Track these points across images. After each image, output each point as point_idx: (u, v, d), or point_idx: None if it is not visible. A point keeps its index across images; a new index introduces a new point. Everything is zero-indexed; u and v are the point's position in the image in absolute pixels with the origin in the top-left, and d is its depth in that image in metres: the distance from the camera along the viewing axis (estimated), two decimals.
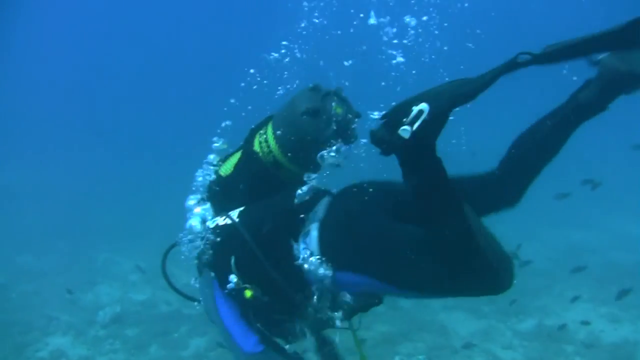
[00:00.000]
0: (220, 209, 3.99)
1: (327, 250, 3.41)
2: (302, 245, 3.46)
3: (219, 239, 3.78)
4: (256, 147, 3.79)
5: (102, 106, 48.30)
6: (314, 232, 3.45)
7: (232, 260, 3.65)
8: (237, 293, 3.63)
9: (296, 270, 3.46)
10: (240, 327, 3.75)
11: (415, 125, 2.73)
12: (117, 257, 17.07)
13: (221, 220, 3.82)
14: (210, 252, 3.86)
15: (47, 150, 35.10)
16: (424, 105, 2.73)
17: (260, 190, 3.76)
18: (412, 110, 2.76)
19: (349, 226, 3.41)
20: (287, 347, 3.88)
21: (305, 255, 3.42)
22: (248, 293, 3.57)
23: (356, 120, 3.81)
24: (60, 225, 19.58)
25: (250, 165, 3.77)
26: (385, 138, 2.84)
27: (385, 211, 3.41)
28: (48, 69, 49.93)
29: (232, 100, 4.48)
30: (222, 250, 3.77)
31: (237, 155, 3.97)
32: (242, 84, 4.46)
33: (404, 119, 2.77)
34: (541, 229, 19.29)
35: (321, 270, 3.39)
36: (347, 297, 3.52)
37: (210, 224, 3.93)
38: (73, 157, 33.16)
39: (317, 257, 3.40)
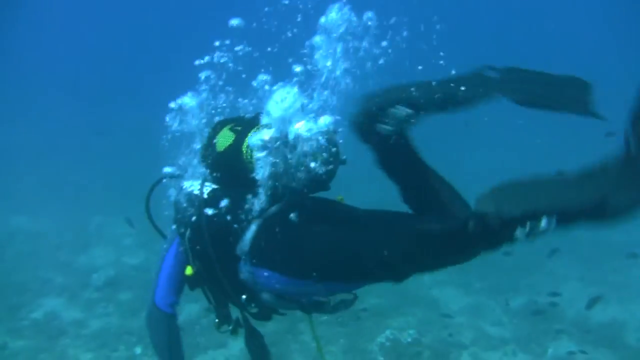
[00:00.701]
0: (200, 176, 3.99)
1: (255, 247, 3.46)
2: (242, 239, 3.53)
3: (184, 205, 3.82)
4: (243, 148, 3.74)
5: (99, 66, 47.85)
6: (253, 226, 3.50)
7: (187, 233, 3.73)
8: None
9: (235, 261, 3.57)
10: (169, 284, 3.91)
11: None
12: (110, 219, 17.07)
13: (196, 189, 3.82)
14: (176, 213, 3.92)
15: (41, 111, 34.83)
16: None
17: (238, 180, 3.74)
18: None
19: (283, 230, 3.44)
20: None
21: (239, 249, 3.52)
22: (188, 270, 3.74)
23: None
24: (54, 186, 19.54)
25: (235, 159, 3.73)
26: None
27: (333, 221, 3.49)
28: (50, 31, 49.50)
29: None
30: (182, 218, 3.82)
31: (230, 139, 3.87)
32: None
33: None
34: None
35: (245, 265, 3.49)
36: (266, 296, 3.59)
37: (187, 186, 3.92)
38: (67, 119, 32.88)
39: (246, 251, 3.47)
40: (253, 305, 3.72)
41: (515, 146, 27.10)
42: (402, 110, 3.03)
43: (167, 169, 4.19)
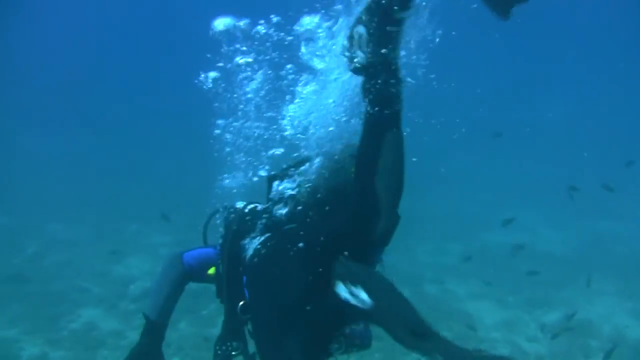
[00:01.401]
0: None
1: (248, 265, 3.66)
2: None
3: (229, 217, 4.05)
4: None
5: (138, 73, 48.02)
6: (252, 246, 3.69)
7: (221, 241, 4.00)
8: None
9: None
10: (201, 256, 4.18)
11: None
12: (146, 229, 17.27)
13: (243, 206, 4.06)
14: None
15: (77, 118, 35.30)
16: None
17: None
18: None
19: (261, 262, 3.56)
20: None
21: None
22: (211, 270, 4.04)
23: None
24: (89, 195, 19.79)
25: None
26: None
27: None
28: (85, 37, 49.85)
29: None
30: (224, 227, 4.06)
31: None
32: None
33: None
34: (570, 218, 19.23)
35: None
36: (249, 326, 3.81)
37: (241, 204, 4.10)
38: (103, 127, 33.30)
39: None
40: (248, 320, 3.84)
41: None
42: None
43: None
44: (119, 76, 46.15)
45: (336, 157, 3.59)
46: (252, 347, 4.24)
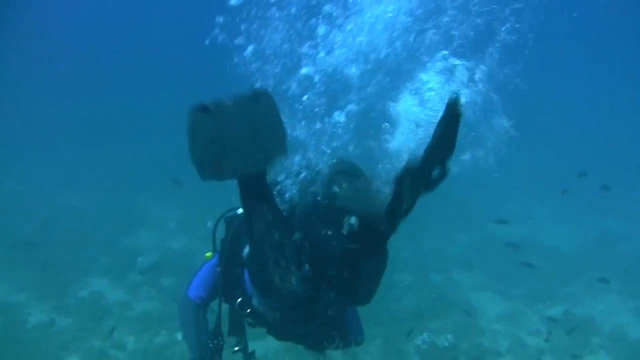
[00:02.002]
0: None
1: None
2: None
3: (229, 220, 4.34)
4: None
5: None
6: None
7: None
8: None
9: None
10: (202, 282, 4.29)
11: None
12: (155, 202, 17.40)
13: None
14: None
15: (89, 84, 35.34)
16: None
17: None
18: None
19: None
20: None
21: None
22: (208, 254, 4.27)
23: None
24: (102, 166, 19.89)
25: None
26: None
27: None
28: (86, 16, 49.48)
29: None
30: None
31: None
32: None
33: None
34: (578, 214, 19.22)
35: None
36: (255, 301, 3.91)
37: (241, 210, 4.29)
38: (114, 92, 33.32)
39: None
40: (248, 311, 3.97)
41: None
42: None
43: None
44: (129, 37, 45.75)
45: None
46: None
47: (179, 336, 10.20)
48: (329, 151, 3.88)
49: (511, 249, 13.32)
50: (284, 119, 3.21)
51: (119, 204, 16.91)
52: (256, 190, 3.20)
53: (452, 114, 2.54)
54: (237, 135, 2.96)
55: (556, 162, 24.83)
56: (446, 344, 10.70)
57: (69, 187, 17.81)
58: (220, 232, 4.26)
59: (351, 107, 3.84)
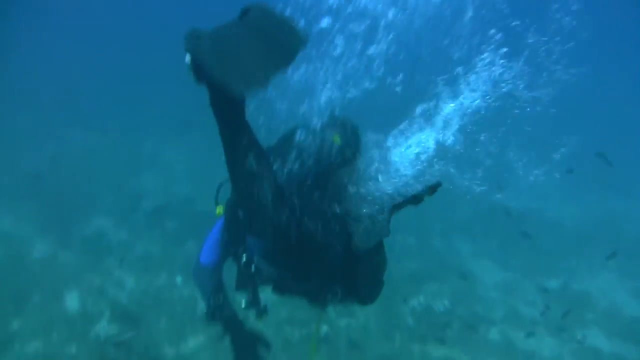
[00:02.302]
0: None
1: None
2: None
3: None
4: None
5: None
6: None
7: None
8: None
9: None
10: (212, 245, 4.32)
11: None
12: (164, 146, 17.42)
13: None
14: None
15: (101, 27, 35.10)
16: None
17: None
18: None
19: None
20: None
21: None
22: (218, 209, 4.25)
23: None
24: (110, 104, 19.87)
25: None
26: None
27: None
28: None
29: None
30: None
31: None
32: None
33: None
34: (585, 191, 19.17)
35: None
36: (257, 259, 3.93)
37: None
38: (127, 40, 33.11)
39: None
40: (253, 269, 3.97)
41: None
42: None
43: None
44: None
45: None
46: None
47: (179, 280, 10.32)
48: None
49: (512, 220, 13.36)
50: None
51: (128, 145, 16.92)
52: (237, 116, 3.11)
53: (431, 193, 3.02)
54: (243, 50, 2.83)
55: (567, 137, 24.65)
56: (442, 309, 10.81)
57: (79, 124, 17.81)
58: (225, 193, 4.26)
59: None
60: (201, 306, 9.43)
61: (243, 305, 4.18)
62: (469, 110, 3.54)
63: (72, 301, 9.06)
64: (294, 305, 4.22)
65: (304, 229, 3.46)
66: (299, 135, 3.77)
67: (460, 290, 11.67)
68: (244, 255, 3.93)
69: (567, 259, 14.00)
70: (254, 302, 4.14)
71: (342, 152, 3.79)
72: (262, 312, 4.20)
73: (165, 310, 9.22)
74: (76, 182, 13.61)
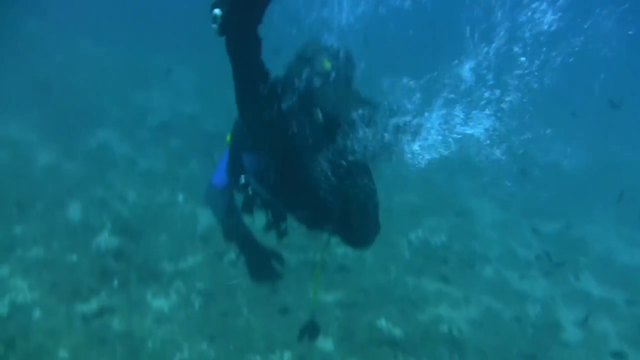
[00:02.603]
0: None
1: None
2: None
3: None
4: None
5: None
6: None
7: None
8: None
9: None
10: (224, 167, 4.35)
11: None
12: (173, 63, 17.25)
13: None
14: None
15: None
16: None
17: None
18: None
19: None
20: None
21: None
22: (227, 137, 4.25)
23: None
24: (121, 16, 19.59)
25: None
26: None
27: None
28: None
29: None
30: None
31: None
32: None
33: None
34: (590, 138, 19.09)
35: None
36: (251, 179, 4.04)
37: None
38: None
39: None
40: (250, 191, 4.08)
41: None
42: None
43: None
44: None
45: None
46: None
47: (181, 198, 10.40)
48: None
49: (515, 160, 13.33)
50: None
51: (137, 59, 16.78)
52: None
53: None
54: None
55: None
56: (439, 244, 10.93)
57: (89, 35, 17.63)
58: None
59: None
60: (202, 225, 9.57)
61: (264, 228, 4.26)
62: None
63: (74, 211, 9.15)
64: (293, 231, 4.32)
65: (297, 156, 3.56)
66: (292, 63, 3.87)
67: (458, 227, 11.78)
68: (242, 177, 4.03)
69: (567, 203, 14.05)
70: (273, 224, 4.23)
71: (328, 75, 3.77)
72: (282, 234, 4.28)
73: (165, 227, 9.33)
74: (83, 93, 13.57)
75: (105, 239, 8.12)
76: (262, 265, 4.39)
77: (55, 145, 11.29)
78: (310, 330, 5.23)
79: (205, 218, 9.76)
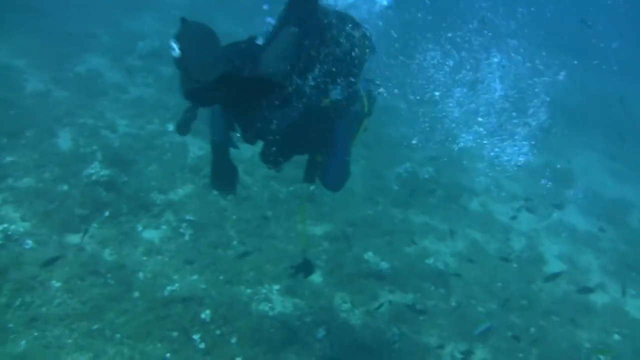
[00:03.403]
0: None
1: None
2: None
3: None
4: None
5: None
6: None
7: None
8: None
9: None
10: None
11: None
12: None
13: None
14: None
15: None
16: None
17: None
18: None
19: None
20: None
21: None
22: None
23: None
24: None
25: None
26: None
27: None
28: None
29: None
30: None
31: None
32: None
33: None
34: (583, 72, 18.99)
35: None
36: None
37: None
38: None
39: None
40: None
41: None
42: None
43: None
44: None
45: None
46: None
47: (170, 127, 10.37)
48: None
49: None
50: None
51: None
52: None
53: None
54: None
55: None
56: (426, 176, 11.02)
57: None
58: None
59: None
60: (192, 155, 9.62)
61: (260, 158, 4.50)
62: None
63: (64, 140, 9.12)
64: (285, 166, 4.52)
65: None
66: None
67: (448, 160, 11.85)
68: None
69: (554, 136, 14.10)
70: (267, 156, 4.44)
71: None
72: (277, 164, 4.50)
73: (155, 157, 9.36)
74: (74, 17, 13.37)
75: (95, 169, 8.11)
76: (223, 177, 4.77)
77: (44, 72, 11.19)
78: (305, 269, 5.49)
79: (196, 148, 9.80)
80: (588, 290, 8.48)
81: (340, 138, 4.53)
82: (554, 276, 8.52)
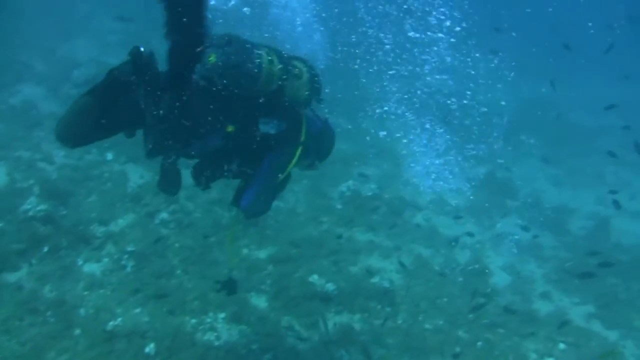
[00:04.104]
0: None
1: None
2: None
3: None
4: None
5: None
6: None
7: None
8: None
9: None
10: None
11: None
12: (98, 11, 16.73)
13: None
14: None
15: None
16: None
17: None
18: None
19: None
20: None
21: None
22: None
23: None
24: None
25: None
26: None
27: None
28: None
29: None
30: None
31: None
32: None
33: None
34: (515, 76, 19.33)
35: None
36: None
37: None
38: None
39: None
40: None
41: None
42: None
43: None
44: None
45: None
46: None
47: (110, 156, 10.23)
48: None
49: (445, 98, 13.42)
50: None
51: (59, 8, 16.17)
52: None
53: None
54: None
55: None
56: (370, 194, 11.08)
57: None
58: None
59: None
60: (132, 184, 9.50)
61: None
62: None
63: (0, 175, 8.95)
64: (227, 186, 4.58)
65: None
66: None
67: (390, 175, 11.95)
68: None
69: (494, 143, 14.29)
70: (199, 177, 4.64)
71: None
72: (204, 185, 4.69)
73: (95, 187, 9.22)
74: (4, 44, 13.09)
75: (32, 204, 7.96)
76: (169, 182, 4.77)
77: None
78: (229, 287, 5.60)
79: (136, 176, 9.69)
80: None
81: (264, 166, 4.63)
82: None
